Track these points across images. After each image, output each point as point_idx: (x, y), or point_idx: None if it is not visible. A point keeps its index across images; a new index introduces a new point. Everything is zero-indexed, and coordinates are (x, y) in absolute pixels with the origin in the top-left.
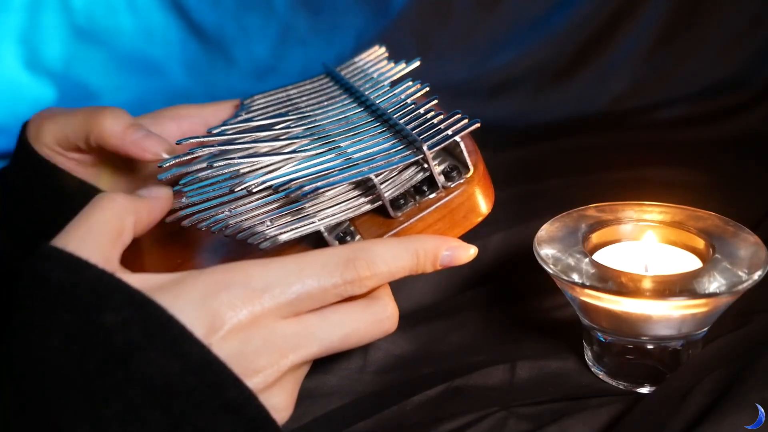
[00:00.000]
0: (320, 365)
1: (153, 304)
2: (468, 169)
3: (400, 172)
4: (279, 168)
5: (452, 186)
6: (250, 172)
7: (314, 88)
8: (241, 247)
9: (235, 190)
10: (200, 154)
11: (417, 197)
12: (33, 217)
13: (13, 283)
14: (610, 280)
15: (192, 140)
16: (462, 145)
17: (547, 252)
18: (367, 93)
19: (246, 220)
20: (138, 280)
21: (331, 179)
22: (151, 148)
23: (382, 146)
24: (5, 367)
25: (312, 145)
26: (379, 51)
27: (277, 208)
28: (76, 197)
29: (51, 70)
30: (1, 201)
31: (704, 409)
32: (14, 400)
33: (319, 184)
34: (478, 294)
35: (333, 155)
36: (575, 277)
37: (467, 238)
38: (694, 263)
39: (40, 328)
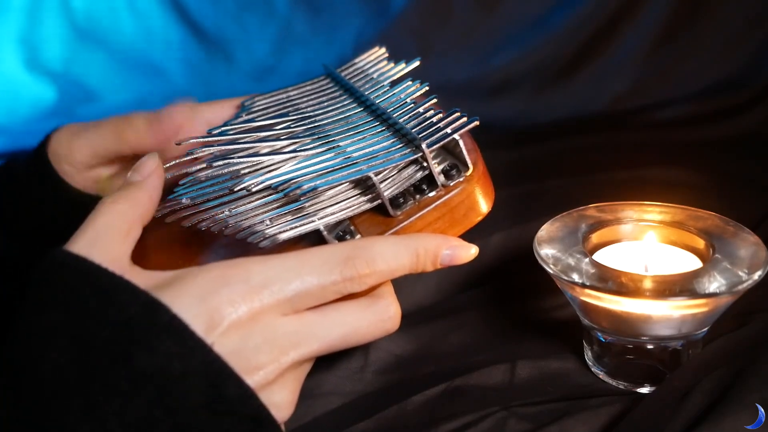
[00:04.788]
0: (321, 364)
1: (156, 303)
2: (467, 168)
3: (400, 170)
4: (278, 167)
5: (452, 184)
6: (249, 171)
7: (315, 89)
8: (241, 246)
9: (235, 189)
10: (201, 154)
11: (417, 196)
12: (37, 222)
13: (9, 282)
14: (610, 280)
15: (192, 141)
16: (461, 143)
17: (547, 252)
18: (366, 93)
19: (246, 219)
20: (142, 279)
21: (331, 178)
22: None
23: (381, 145)
24: (9, 365)
25: (312, 145)
26: (379, 51)
27: (277, 207)
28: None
29: (51, 71)
30: (2, 199)
31: (704, 409)
32: (16, 399)
33: (318, 182)
34: (478, 294)
35: (332, 154)
36: (575, 277)
37: (467, 237)
38: (694, 263)
39: (43, 329)
